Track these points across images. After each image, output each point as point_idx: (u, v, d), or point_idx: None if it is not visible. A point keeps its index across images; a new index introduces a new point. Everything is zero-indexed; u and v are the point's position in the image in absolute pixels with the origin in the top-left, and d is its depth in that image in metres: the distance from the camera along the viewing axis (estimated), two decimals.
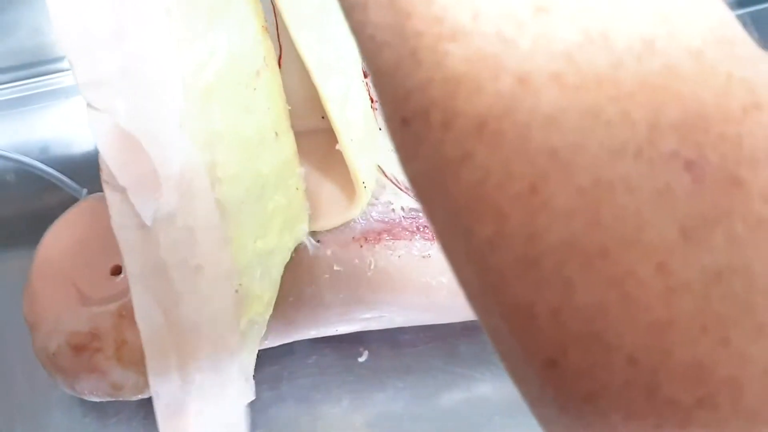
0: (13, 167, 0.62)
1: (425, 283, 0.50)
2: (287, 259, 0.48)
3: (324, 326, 0.52)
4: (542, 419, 0.21)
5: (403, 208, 0.50)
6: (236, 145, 0.42)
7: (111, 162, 0.39)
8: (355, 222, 0.49)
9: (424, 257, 0.50)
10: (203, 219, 0.41)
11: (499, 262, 0.19)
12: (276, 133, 0.45)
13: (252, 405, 0.54)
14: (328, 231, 0.49)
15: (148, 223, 0.40)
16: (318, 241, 0.49)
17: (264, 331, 0.48)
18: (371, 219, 0.49)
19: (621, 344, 0.18)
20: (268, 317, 0.48)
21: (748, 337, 0.17)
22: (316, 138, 0.50)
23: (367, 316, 0.52)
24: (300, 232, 0.49)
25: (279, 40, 0.47)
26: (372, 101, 0.49)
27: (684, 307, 0.17)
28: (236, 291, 0.44)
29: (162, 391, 0.44)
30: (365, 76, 0.49)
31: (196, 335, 0.43)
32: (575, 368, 0.18)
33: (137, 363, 0.47)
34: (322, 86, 0.45)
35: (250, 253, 0.44)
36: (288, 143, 0.46)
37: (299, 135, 0.47)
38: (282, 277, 0.48)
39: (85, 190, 0.61)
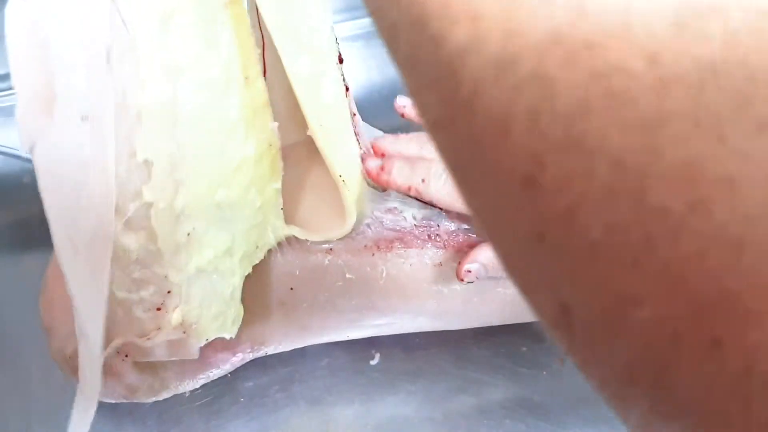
0: (30, 169, 0.63)
1: (437, 291, 0.50)
2: (256, 219, 0.47)
3: (336, 332, 0.52)
4: (524, 259, 0.19)
5: (414, 217, 0.50)
6: (200, 84, 0.40)
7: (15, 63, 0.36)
8: (366, 230, 0.50)
9: (435, 265, 0.50)
10: (161, 156, 0.40)
11: (473, 68, 0.18)
12: (246, 78, 0.43)
13: (264, 405, 0.55)
14: (340, 239, 0.49)
15: (25, 150, 0.38)
16: (330, 249, 0.49)
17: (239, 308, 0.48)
18: (383, 227, 0.50)
19: (605, 147, 0.16)
20: (233, 275, 0.47)
21: (745, 134, 0.16)
22: (300, 150, 0.50)
23: (379, 322, 0.52)
24: (271, 194, 0.47)
25: (263, 57, 0.46)
26: (347, 90, 0.48)
27: (676, 101, 0.16)
28: (188, 234, 0.43)
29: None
30: (341, 62, 0.48)
31: (145, 269, 0.43)
32: (554, 181, 0.17)
33: (153, 367, 0.48)
34: (289, 63, 0.44)
35: (207, 200, 0.43)
36: (259, 91, 0.44)
37: (284, 148, 0.47)
38: (295, 285, 0.48)
39: None
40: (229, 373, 0.54)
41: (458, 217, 0.51)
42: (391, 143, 0.52)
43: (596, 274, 0.17)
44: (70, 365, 0.49)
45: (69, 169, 0.38)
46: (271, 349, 0.53)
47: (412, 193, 0.49)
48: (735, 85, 0.16)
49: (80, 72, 0.37)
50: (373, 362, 0.57)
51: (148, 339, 0.44)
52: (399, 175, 0.49)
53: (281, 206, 0.48)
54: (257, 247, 0.48)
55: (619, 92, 0.16)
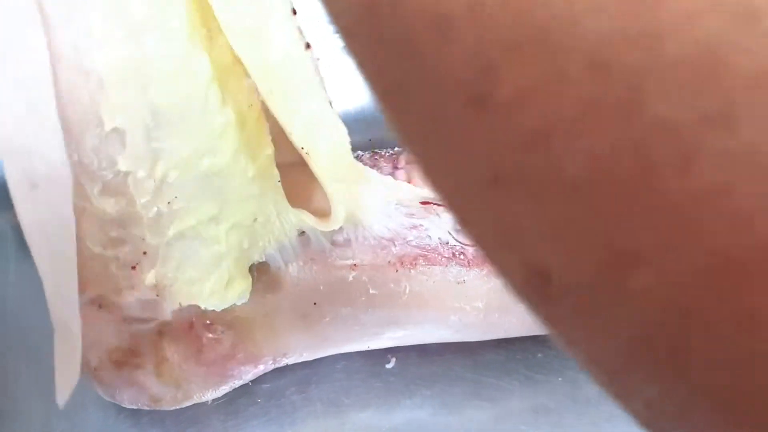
0: None
1: (459, 308, 0.51)
2: (251, 190, 0.44)
3: (357, 343, 0.53)
4: (479, 209, 0.15)
5: (440, 238, 0.50)
6: (163, 38, 0.37)
7: None
8: (391, 246, 0.50)
9: (459, 283, 0.50)
10: (133, 124, 0.38)
11: None
12: (208, 30, 0.39)
13: (281, 406, 0.56)
14: (366, 253, 0.50)
15: None
16: (354, 265, 0.49)
17: (238, 284, 0.47)
18: (407, 244, 0.50)
19: (581, 41, 0.12)
20: (217, 244, 0.45)
21: None
22: (294, 171, 0.48)
23: (399, 334, 0.53)
24: (264, 162, 0.44)
25: None
26: (308, 46, 0.42)
27: None
28: (169, 202, 0.41)
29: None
30: (294, 13, 0.42)
31: (122, 229, 0.42)
32: (513, 96, 0.13)
33: (176, 379, 0.49)
34: (220, 10, 0.39)
35: (192, 169, 0.41)
36: (225, 46, 0.40)
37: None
38: (319, 300, 0.49)
39: None
40: None
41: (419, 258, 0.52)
42: None
43: (578, 225, 0.13)
44: (95, 375, 0.50)
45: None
46: (292, 360, 0.53)
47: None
48: None
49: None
50: (389, 366, 0.58)
51: (122, 296, 0.44)
52: None
53: (278, 179, 0.46)
54: (255, 220, 0.46)
55: None
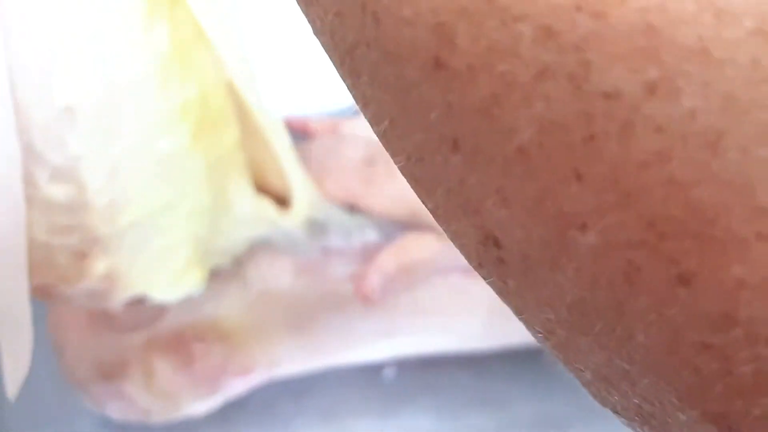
0: None
1: (458, 319, 0.51)
2: (215, 173, 0.43)
3: (352, 353, 0.52)
4: (438, 176, 0.16)
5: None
6: (122, 8, 0.36)
7: None
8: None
9: (458, 293, 0.50)
10: (86, 101, 0.36)
11: None
12: (170, 1, 0.38)
13: (274, 417, 0.55)
14: (365, 263, 0.49)
15: None
16: (352, 275, 0.49)
17: (190, 274, 0.46)
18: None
19: (532, 8, 0.13)
20: (174, 230, 0.44)
21: None
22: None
23: (397, 344, 0.52)
24: (229, 144, 0.43)
25: None
26: None
27: None
28: (123, 188, 0.40)
29: None
30: None
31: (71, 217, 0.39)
32: (467, 62, 0.13)
33: (166, 391, 0.48)
34: None
35: (147, 152, 0.39)
36: (188, 15, 0.38)
37: None
38: (311, 310, 0.48)
39: None
40: None
41: None
42: None
43: (528, 190, 0.14)
44: (82, 387, 0.49)
45: None
46: (284, 371, 0.52)
47: None
48: None
49: None
50: (387, 373, 0.56)
51: (70, 286, 0.42)
52: None
53: (243, 162, 0.45)
54: (217, 207, 0.45)
55: None
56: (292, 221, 0.46)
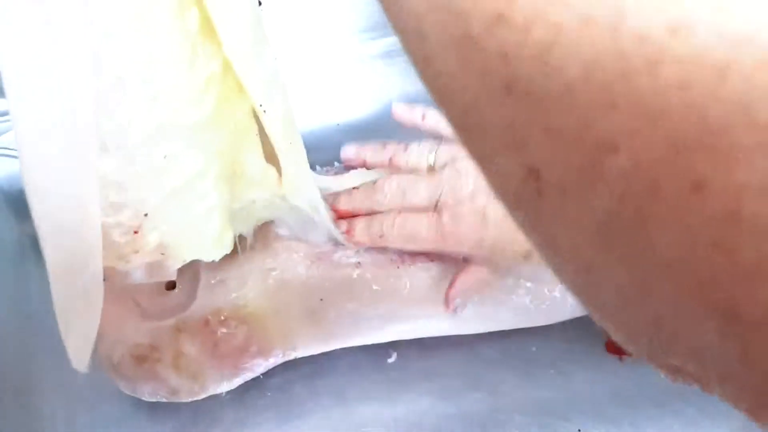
0: None
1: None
2: (231, 140, 0.46)
3: (361, 337, 0.57)
4: (488, 117, 0.18)
5: None
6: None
7: None
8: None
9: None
10: (133, 71, 0.39)
11: None
12: None
13: (289, 399, 0.59)
14: (369, 253, 0.53)
15: None
16: (358, 263, 0.53)
17: (225, 235, 0.49)
18: None
19: None
20: (208, 197, 0.46)
21: None
22: None
23: (402, 328, 0.56)
24: (243, 115, 0.46)
25: None
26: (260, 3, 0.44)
27: None
28: (165, 156, 0.42)
29: None
30: None
31: (122, 193, 0.42)
32: (524, 16, 0.16)
33: (193, 372, 0.52)
34: None
35: (182, 120, 0.42)
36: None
37: None
38: (325, 296, 0.52)
39: None
40: None
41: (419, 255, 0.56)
42: (346, 202, 0.55)
43: (571, 121, 0.16)
44: (116, 371, 0.53)
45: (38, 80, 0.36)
46: (300, 353, 0.56)
47: (376, 245, 0.53)
48: None
49: None
50: (390, 360, 0.61)
51: (127, 262, 0.45)
52: (361, 235, 0.53)
53: (256, 131, 0.47)
54: (234, 172, 0.48)
55: None
56: (284, 188, 0.49)
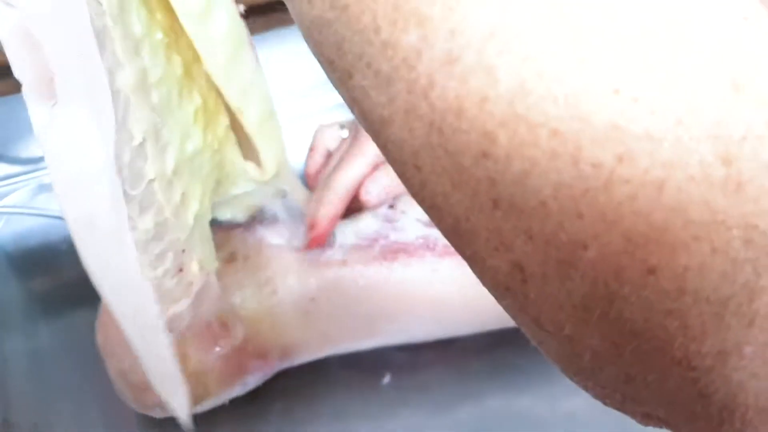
0: (67, 236, 0.73)
1: (437, 293, 0.59)
2: (216, 159, 0.49)
3: (353, 338, 0.61)
4: (480, 226, 0.21)
5: (415, 234, 0.60)
6: (155, 48, 0.41)
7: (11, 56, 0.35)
8: (375, 244, 0.59)
9: (434, 270, 0.59)
10: (149, 129, 0.41)
11: (426, 67, 0.20)
12: (175, 34, 0.44)
13: (291, 421, 0.62)
14: (354, 252, 0.58)
15: (38, 128, 0.36)
16: (344, 261, 0.58)
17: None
18: (389, 241, 0.59)
19: (543, 119, 0.19)
20: (209, 212, 0.50)
21: (657, 89, 0.18)
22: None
23: (390, 328, 0.60)
24: (223, 132, 0.49)
25: None
26: (244, 17, 0.48)
27: (595, 73, 0.19)
28: (183, 193, 0.45)
29: None
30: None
31: (161, 241, 0.44)
32: (505, 152, 0.19)
33: (198, 374, 0.56)
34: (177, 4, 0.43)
35: (183, 156, 0.45)
36: (186, 46, 0.45)
37: None
38: (315, 295, 0.57)
39: None
40: (258, 396, 0.62)
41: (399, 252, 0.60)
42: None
43: (548, 227, 0.20)
44: (126, 379, 0.57)
45: (75, 155, 0.37)
46: (296, 359, 0.60)
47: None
48: None
49: (73, 58, 0.36)
50: (385, 380, 0.64)
51: (181, 299, 0.47)
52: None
53: (234, 141, 0.51)
54: (218, 182, 0.52)
55: (547, 72, 0.19)
56: (265, 175, 0.54)
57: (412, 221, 0.60)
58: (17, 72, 0.35)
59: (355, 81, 0.22)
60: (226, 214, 0.56)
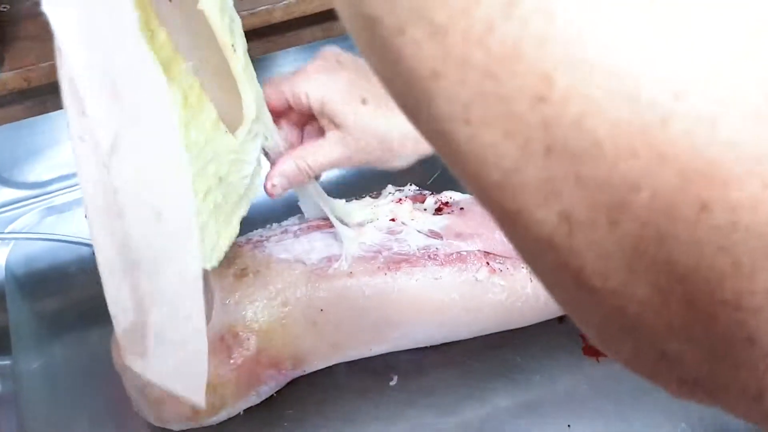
0: (77, 258, 0.75)
1: (439, 300, 0.62)
2: (207, 156, 0.49)
3: (361, 346, 0.64)
4: (528, 175, 0.21)
5: (417, 245, 0.62)
6: (126, 48, 0.38)
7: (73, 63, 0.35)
8: (379, 255, 0.62)
9: (436, 279, 0.62)
10: (162, 131, 0.40)
11: (484, 12, 0.20)
12: (150, 32, 0.44)
13: (304, 428, 0.65)
14: (359, 263, 0.61)
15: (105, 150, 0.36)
16: (351, 273, 0.61)
17: (226, 232, 0.52)
18: (392, 252, 0.62)
19: (602, 60, 0.19)
20: (215, 216, 0.50)
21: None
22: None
23: (395, 335, 0.63)
24: (208, 127, 0.49)
25: None
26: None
27: (654, 15, 0.19)
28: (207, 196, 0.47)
29: (119, 317, 0.41)
30: None
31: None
32: (562, 94, 0.19)
33: (213, 385, 0.58)
34: None
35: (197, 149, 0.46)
36: (165, 42, 0.44)
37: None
38: (324, 307, 0.60)
39: None
40: (271, 404, 0.65)
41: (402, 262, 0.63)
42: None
43: (601, 170, 0.19)
44: (144, 395, 0.59)
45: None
46: (308, 367, 0.63)
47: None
48: None
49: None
50: (392, 383, 0.67)
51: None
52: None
53: (225, 130, 0.50)
54: (220, 180, 0.51)
55: (606, 13, 0.19)
56: (248, 121, 0.53)
57: (413, 233, 0.63)
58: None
59: (407, 36, 0.21)
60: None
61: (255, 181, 0.55)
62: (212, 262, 0.51)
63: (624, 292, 0.21)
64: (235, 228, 0.53)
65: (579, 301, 0.23)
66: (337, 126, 0.58)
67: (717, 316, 0.20)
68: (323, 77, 0.59)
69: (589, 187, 0.20)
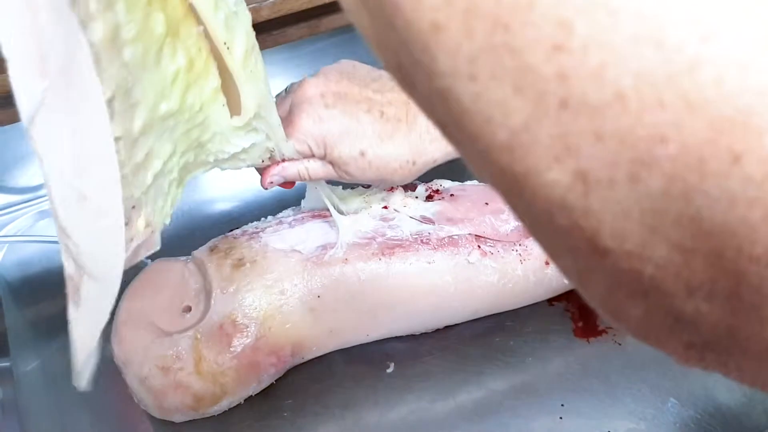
0: None
1: (433, 283, 0.64)
2: (197, 120, 0.49)
3: (358, 331, 0.65)
4: (543, 131, 0.20)
5: (410, 231, 0.64)
6: (132, 4, 0.39)
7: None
8: (373, 242, 0.63)
9: (429, 263, 0.63)
10: (119, 86, 0.40)
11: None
12: None
13: (304, 417, 0.65)
14: (354, 250, 0.62)
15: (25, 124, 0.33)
16: (346, 260, 0.62)
17: (178, 191, 0.51)
18: (386, 238, 0.63)
19: (624, 3, 0.18)
20: (180, 173, 0.50)
21: None
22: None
23: (391, 318, 0.65)
24: (209, 94, 0.48)
25: None
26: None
27: None
28: (146, 153, 0.44)
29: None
30: None
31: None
32: (582, 42, 0.18)
33: (214, 374, 0.59)
34: None
35: (155, 116, 0.44)
36: (177, 3, 0.43)
37: None
38: (321, 293, 0.61)
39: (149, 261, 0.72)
40: (271, 394, 0.66)
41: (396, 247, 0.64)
42: None
43: (623, 124, 0.18)
44: (146, 386, 0.60)
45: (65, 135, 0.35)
46: (306, 354, 0.64)
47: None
48: None
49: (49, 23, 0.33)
50: (389, 371, 0.68)
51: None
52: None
53: (224, 102, 0.50)
54: (199, 144, 0.51)
55: None
56: (244, 120, 0.53)
57: (406, 219, 0.64)
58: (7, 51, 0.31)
59: None
60: (227, 166, 0.56)
61: (233, 161, 0.56)
62: (167, 218, 0.50)
63: (641, 253, 0.20)
64: (183, 188, 0.53)
65: (589, 266, 0.22)
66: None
67: (745, 273, 0.19)
68: (314, 139, 0.58)
69: (608, 143, 0.19)
